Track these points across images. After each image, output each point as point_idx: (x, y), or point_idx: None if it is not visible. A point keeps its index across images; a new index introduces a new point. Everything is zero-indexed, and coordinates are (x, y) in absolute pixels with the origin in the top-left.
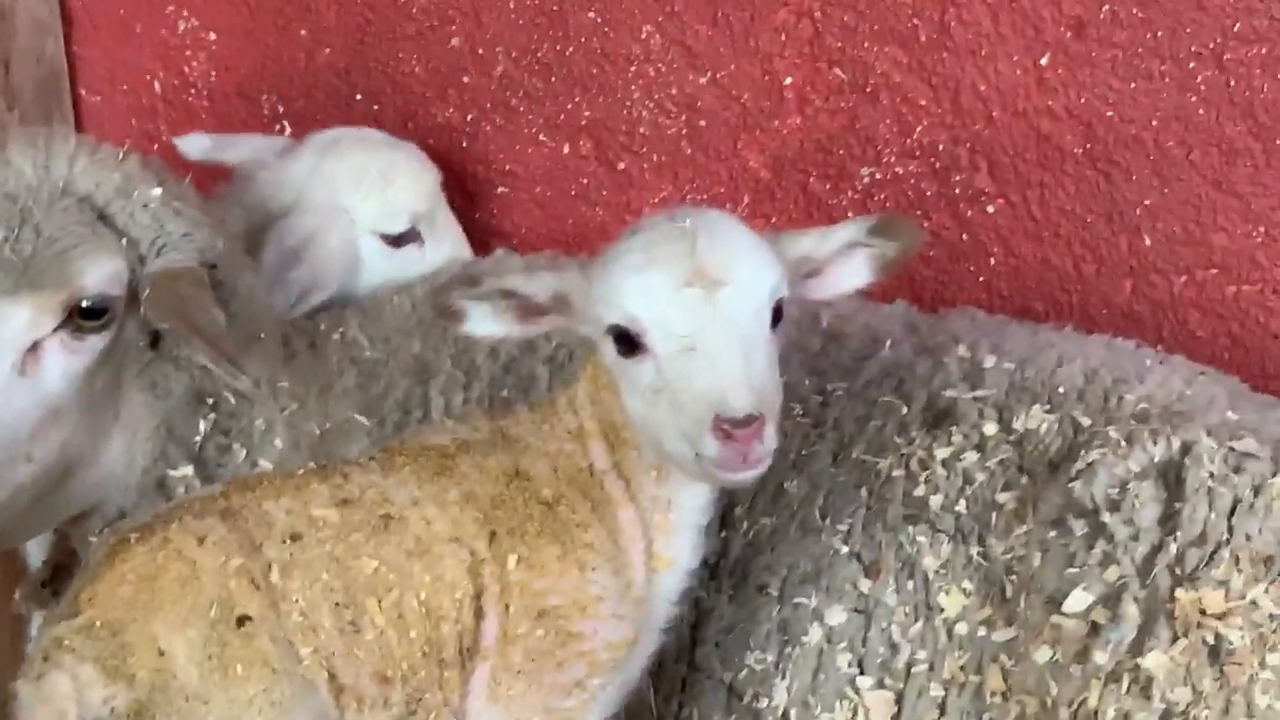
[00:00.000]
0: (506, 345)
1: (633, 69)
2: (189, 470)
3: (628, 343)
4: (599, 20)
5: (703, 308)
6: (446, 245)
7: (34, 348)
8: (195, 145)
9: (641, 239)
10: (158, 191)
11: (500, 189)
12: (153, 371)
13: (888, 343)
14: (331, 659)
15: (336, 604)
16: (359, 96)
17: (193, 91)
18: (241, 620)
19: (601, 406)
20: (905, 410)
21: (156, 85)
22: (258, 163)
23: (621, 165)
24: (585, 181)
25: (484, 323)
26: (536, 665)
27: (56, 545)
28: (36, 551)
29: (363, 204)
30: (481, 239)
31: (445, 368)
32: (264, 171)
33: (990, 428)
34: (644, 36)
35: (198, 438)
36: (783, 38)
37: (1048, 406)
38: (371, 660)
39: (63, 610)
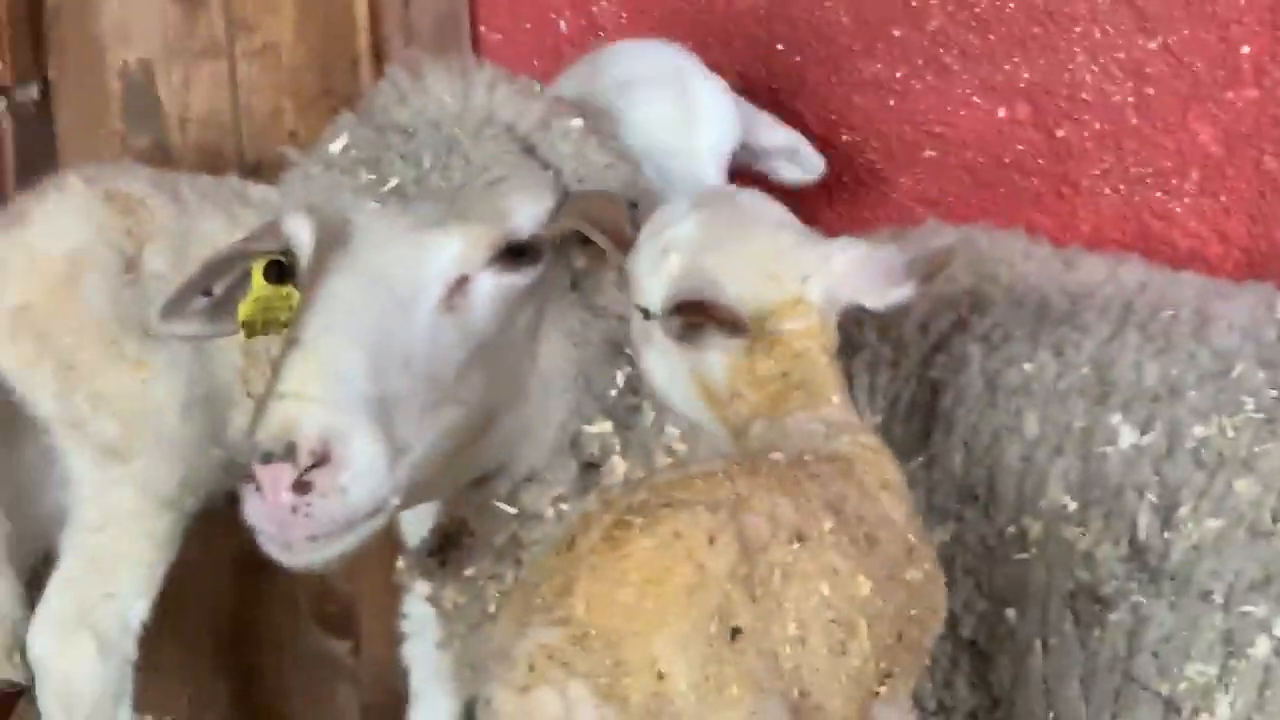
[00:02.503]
0: (937, 321)
1: (1077, 29)
2: (607, 426)
3: None
4: None
5: None
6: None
7: (460, 283)
8: None
9: None
10: (578, 122)
11: (928, 152)
12: (572, 318)
13: None
14: (814, 676)
15: (831, 620)
16: (780, 46)
17: (601, 34)
18: (735, 633)
19: None
20: None
21: (562, 25)
22: None
23: (1060, 133)
24: (1020, 148)
25: None
26: None
27: (445, 512)
28: (413, 521)
29: None
30: (906, 205)
31: (870, 341)
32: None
33: None
34: None
35: (613, 392)
36: (1241, 2)
37: None
38: (848, 688)
39: (547, 602)
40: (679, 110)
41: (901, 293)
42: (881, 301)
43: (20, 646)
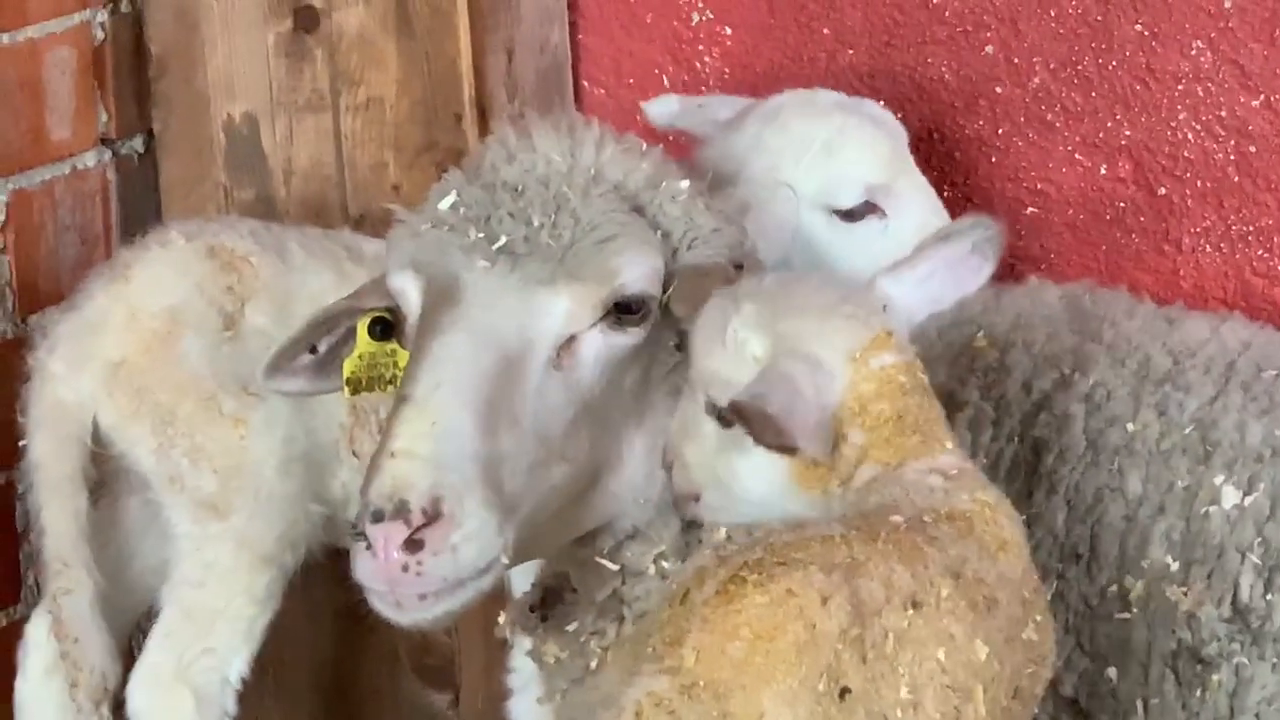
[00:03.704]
0: (1039, 380)
1: (1180, 88)
2: None
3: None
4: (1146, 33)
5: None
6: (911, 216)
7: (569, 341)
8: (663, 109)
9: None
10: (685, 184)
11: (1030, 209)
12: (677, 376)
13: None
14: None
15: (946, 686)
16: (881, 102)
17: (704, 89)
18: (844, 693)
19: None
20: None
21: (665, 80)
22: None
23: (1162, 190)
24: (1121, 206)
25: None
26: None
27: (547, 567)
28: (519, 574)
29: (806, 177)
30: (1007, 262)
31: (973, 399)
32: (711, 141)
33: None
34: (1193, 53)
35: None
36: None
37: None
38: None
39: (657, 652)
40: (888, 136)
41: (986, 272)
42: (970, 289)
43: (108, 699)
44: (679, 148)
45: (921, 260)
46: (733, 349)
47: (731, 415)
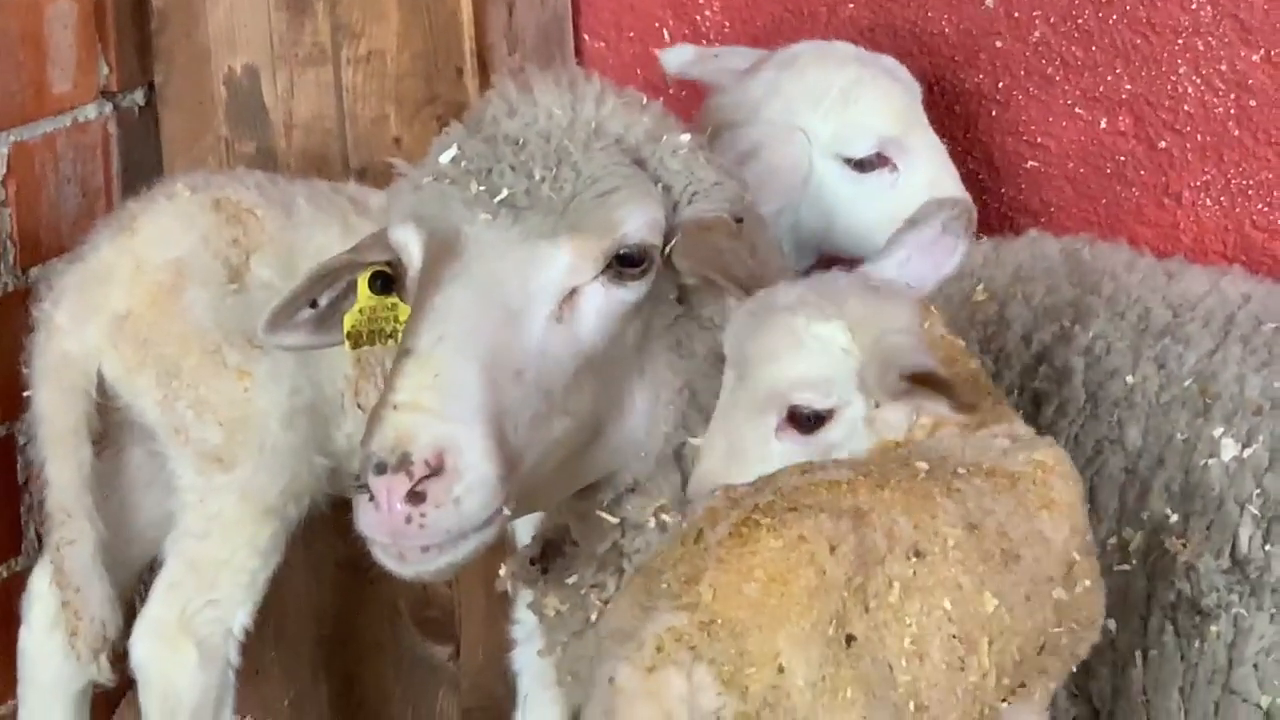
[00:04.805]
0: (1039, 333)
1: (1180, 41)
2: None
3: None
4: None
5: None
6: (922, 171)
7: (571, 294)
8: (678, 58)
9: None
10: (686, 138)
11: (1030, 163)
12: (679, 330)
13: None
14: (932, 690)
15: (952, 636)
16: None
17: (704, 43)
18: (849, 640)
19: None
20: None
21: (665, 34)
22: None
23: (1162, 144)
24: (1122, 159)
25: None
26: None
27: (548, 520)
28: (526, 528)
29: (821, 124)
30: (1008, 215)
31: (973, 353)
32: (724, 89)
33: None
34: (1194, 7)
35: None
36: None
37: None
38: (964, 704)
39: (673, 589)
40: (903, 90)
41: (960, 250)
42: (948, 270)
43: (108, 649)
44: (680, 102)
45: (897, 247)
46: (817, 347)
47: (909, 388)
